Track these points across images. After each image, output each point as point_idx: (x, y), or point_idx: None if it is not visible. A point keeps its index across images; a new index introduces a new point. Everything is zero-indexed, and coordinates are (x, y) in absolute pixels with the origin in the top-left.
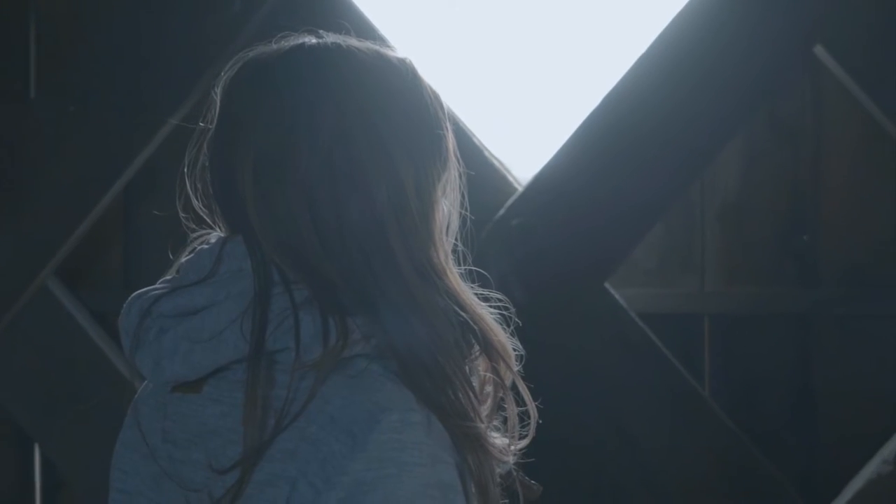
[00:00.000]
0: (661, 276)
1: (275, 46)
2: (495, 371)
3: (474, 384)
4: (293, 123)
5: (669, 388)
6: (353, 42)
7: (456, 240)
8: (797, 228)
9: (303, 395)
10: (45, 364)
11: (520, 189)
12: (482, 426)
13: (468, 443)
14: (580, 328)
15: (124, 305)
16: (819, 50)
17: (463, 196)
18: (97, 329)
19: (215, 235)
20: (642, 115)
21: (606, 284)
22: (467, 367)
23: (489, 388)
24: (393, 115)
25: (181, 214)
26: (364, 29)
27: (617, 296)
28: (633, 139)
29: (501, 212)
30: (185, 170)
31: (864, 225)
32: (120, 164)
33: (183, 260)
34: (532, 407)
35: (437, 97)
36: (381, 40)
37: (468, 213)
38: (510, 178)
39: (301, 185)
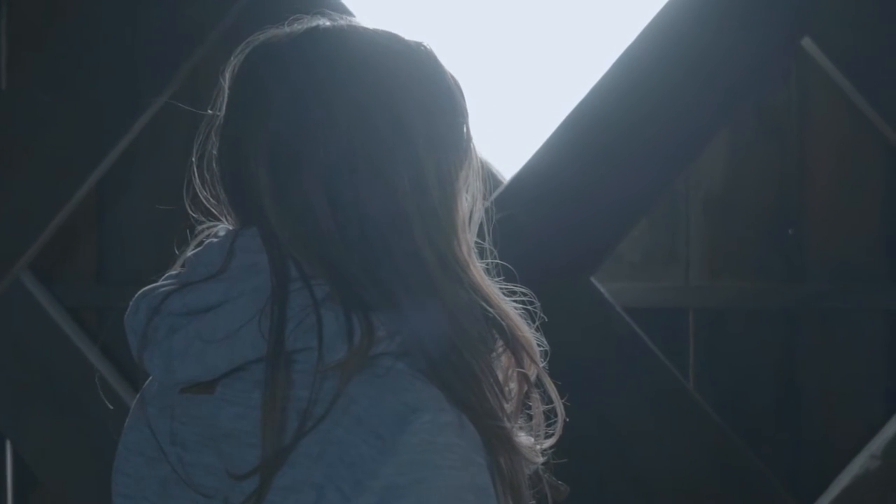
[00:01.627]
0: (646, 270)
1: (287, 29)
2: (520, 367)
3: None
4: (310, 110)
5: (655, 382)
6: (368, 25)
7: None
8: (783, 222)
9: (326, 395)
10: (17, 359)
11: (504, 182)
12: (510, 425)
13: (499, 443)
14: (566, 322)
15: (131, 303)
16: (807, 42)
17: (486, 187)
18: (71, 324)
19: (223, 228)
20: (627, 109)
21: (592, 279)
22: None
23: (512, 386)
24: (415, 100)
25: (188, 208)
26: (344, 13)
27: (603, 290)
28: (619, 133)
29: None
30: (194, 159)
31: (850, 219)
32: (95, 156)
33: (189, 254)
34: (559, 404)
35: (457, 84)
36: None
37: (492, 206)
38: (494, 171)
39: (320, 175)
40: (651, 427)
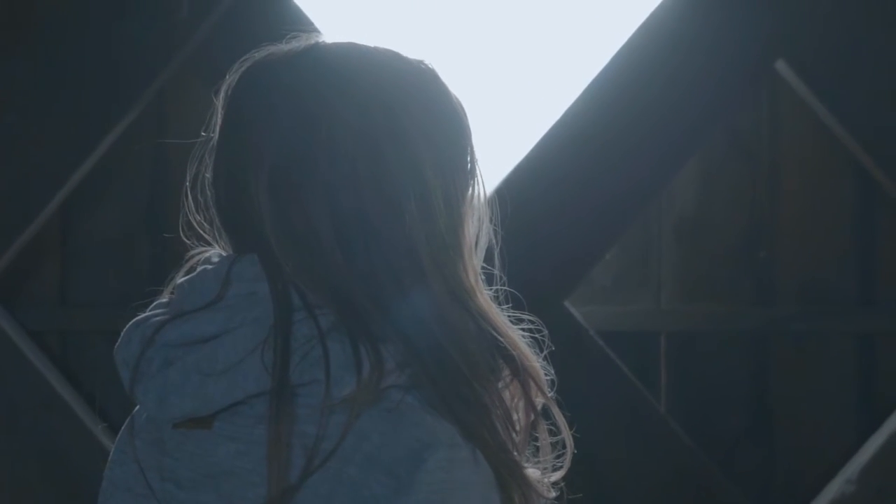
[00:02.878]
0: (618, 293)
1: (286, 47)
2: (528, 398)
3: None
4: (312, 130)
5: (627, 405)
6: (367, 43)
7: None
8: (754, 244)
9: (334, 431)
10: None
11: None
12: (521, 459)
13: (512, 478)
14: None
15: (122, 334)
16: (780, 64)
17: (493, 212)
18: (32, 347)
19: (215, 254)
20: (599, 134)
21: (566, 303)
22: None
23: (518, 416)
24: (420, 122)
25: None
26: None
27: (576, 313)
28: (589, 158)
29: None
30: (188, 183)
31: (821, 241)
32: (59, 177)
33: (180, 281)
34: (568, 436)
35: (461, 104)
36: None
37: (499, 230)
38: None
39: (324, 200)
40: (623, 450)
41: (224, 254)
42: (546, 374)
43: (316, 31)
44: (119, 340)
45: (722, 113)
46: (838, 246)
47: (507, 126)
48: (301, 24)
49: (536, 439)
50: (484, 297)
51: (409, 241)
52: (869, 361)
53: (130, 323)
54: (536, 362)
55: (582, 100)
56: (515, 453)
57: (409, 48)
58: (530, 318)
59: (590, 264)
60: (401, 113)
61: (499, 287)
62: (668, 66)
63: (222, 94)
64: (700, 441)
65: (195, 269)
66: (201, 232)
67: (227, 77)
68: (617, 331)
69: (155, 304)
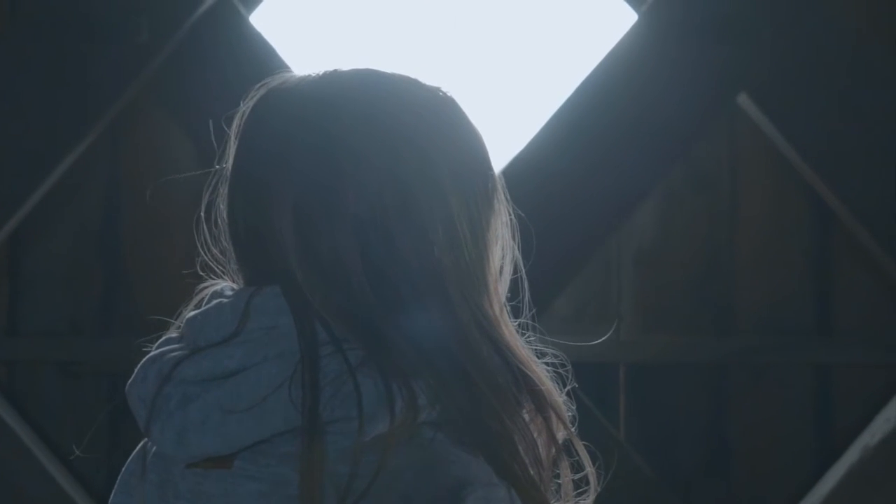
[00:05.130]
0: (578, 324)
1: (301, 74)
2: (550, 433)
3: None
4: (337, 161)
5: (587, 436)
6: (384, 69)
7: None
8: (713, 276)
9: (367, 470)
10: None
11: None
12: (548, 495)
13: None
14: None
15: (137, 370)
16: (742, 98)
17: (515, 242)
18: None
19: (227, 287)
20: (558, 167)
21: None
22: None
23: (542, 452)
24: (443, 150)
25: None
26: (271, 57)
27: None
28: (547, 195)
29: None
30: (202, 214)
31: (780, 273)
32: (11, 205)
33: (191, 314)
34: (591, 472)
35: (479, 132)
36: (286, 68)
37: (521, 261)
38: None
39: (351, 231)
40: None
41: (235, 287)
42: (568, 410)
43: (278, 57)
44: (133, 377)
45: (683, 147)
46: (796, 276)
47: None
48: (262, 49)
49: (558, 476)
50: (509, 328)
51: (438, 272)
52: (826, 392)
53: (145, 359)
54: (559, 398)
55: (540, 136)
56: (544, 489)
57: (383, 65)
58: (554, 352)
59: (552, 295)
60: (425, 142)
61: (523, 320)
62: (628, 102)
63: (235, 124)
64: (659, 472)
65: (202, 303)
66: (210, 263)
67: (242, 104)
68: (576, 361)
69: (164, 339)
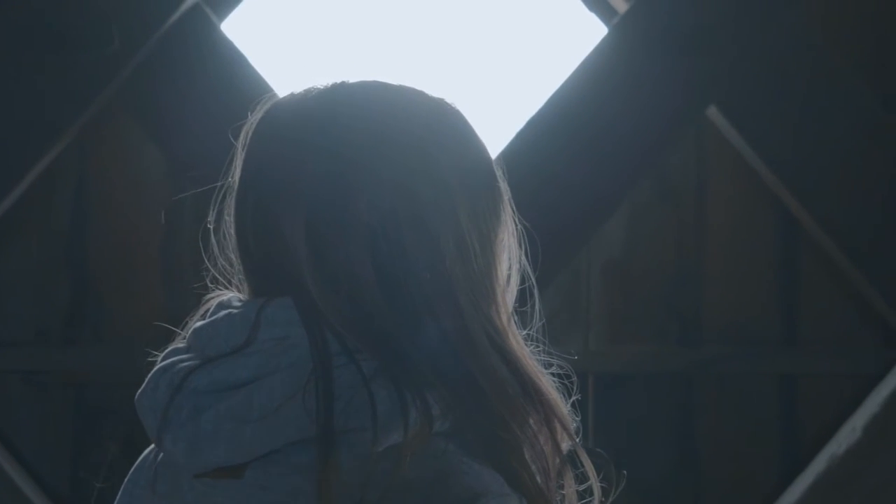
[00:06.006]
0: (546, 334)
1: (306, 87)
2: (555, 444)
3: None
4: (349, 173)
5: None
6: (390, 81)
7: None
8: (680, 286)
9: (379, 480)
10: None
11: None
12: None
13: None
14: None
15: (147, 380)
16: (710, 109)
17: (523, 252)
18: None
19: (234, 297)
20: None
21: None
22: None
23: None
24: (452, 160)
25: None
26: (243, 66)
27: None
28: (516, 206)
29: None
30: (210, 226)
31: (746, 283)
32: None
33: (198, 325)
34: (596, 483)
35: (483, 142)
36: (259, 78)
37: (529, 272)
38: None
39: (364, 242)
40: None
41: (242, 297)
42: (573, 421)
43: (249, 66)
44: (143, 387)
45: (652, 159)
46: (763, 287)
47: None
48: (233, 57)
49: (562, 486)
50: (517, 339)
51: (449, 283)
52: (791, 401)
53: (156, 369)
54: (565, 410)
55: (509, 150)
56: (551, 499)
57: (359, 74)
58: (560, 364)
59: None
60: (435, 153)
61: (530, 331)
62: (597, 115)
63: (242, 136)
64: (627, 482)
65: (207, 313)
66: (216, 274)
67: (251, 115)
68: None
69: (171, 349)
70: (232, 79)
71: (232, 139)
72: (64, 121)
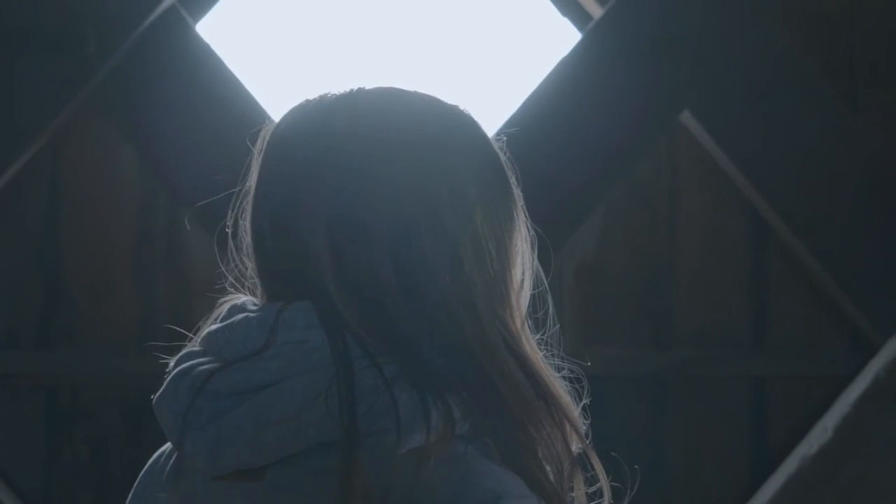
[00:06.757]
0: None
1: (322, 93)
2: (566, 447)
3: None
4: (370, 179)
5: None
6: (405, 87)
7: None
8: (653, 289)
9: (402, 483)
10: None
11: None
12: None
13: None
14: None
15: (166, 384)
16: (683, 114)
17: (534, 254)
18: None
19: (249, 301)
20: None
21: None
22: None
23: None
24: (470, 166)
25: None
26: (218, 66)
27: None
28: None
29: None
30: (228, 230)
31: (717, 287)
32: None
33: (213, 328)
34: (606, 485)
35: (497, 147)
36: (234, 79)
37: (543, 276)
38: None
39: (386, 247)
40: None
41: (256, 301)
42: (583, 424)
43: (224, 66)
44: (162, 390)
45: (625, 163)
46: (734, 290)
47: None
48: (208, 58)
49: (572, 488)
50: (531, 342)
51: (468, 287)
52: (761, 403)
53: (175, 372)
54: (576, 413)
55: None
56: (567, 501)
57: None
58: (570, 367)
59: None
60: (452, 159)
61: (542, 336)
62: (569, 120)
63: (259, 141)
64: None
65: (219, 317)
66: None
67: (267, 121)
68: None
69: (184, 353)
70: (206, 80)
71: (250, 145)
72: (37, 124)
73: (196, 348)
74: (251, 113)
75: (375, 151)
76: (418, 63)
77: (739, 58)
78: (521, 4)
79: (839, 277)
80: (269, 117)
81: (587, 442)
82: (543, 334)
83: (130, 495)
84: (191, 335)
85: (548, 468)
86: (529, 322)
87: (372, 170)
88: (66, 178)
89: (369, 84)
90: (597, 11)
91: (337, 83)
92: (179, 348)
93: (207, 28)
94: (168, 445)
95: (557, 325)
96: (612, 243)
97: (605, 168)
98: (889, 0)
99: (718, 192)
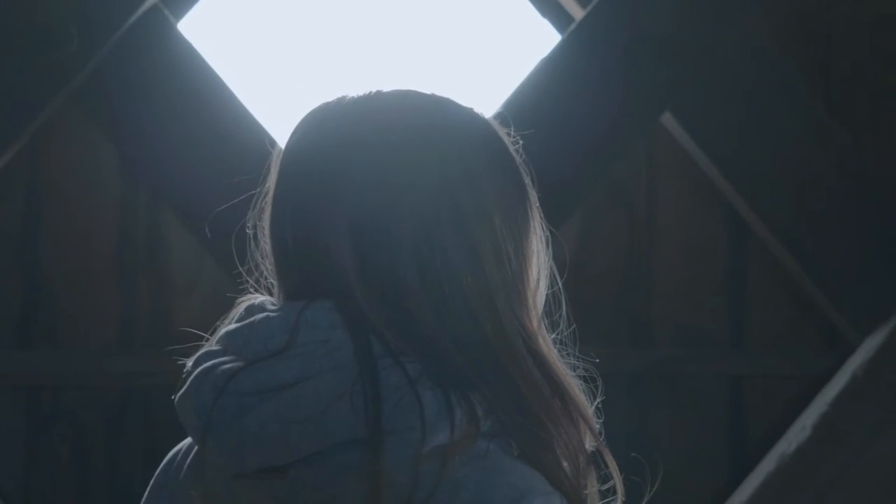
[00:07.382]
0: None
1: (340, 95)
2: (581, 445)
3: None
4: (394, 181)
5: None
6: (421, 89)
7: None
8: (632, 288)
9: (426, 480)
10: None
11: None
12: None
13: None
14: None
15: (189, 382)
16: (664, 115)
17: (549, 254)
18: None
19: (268, 301)
20: None
21: None
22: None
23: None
24: (488, 167)
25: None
26: (199, 65)
27: None
28: None
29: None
30: (249, 231)
31: (696, 285)
32: None
33: (232, 327)
34: (619, 483)
35: (512, 149)
36: (216, 77)
37: (557, 276)
38: None
39: (410, 249)
40: None
41: (275, 301)
42: (597, 423)
43: (206, 65)
44: (185, 389)
45: (604, 164)
46: (712, 289)
47: None
48: (189, 57)
49: (586, 486)
50: (546, 341)
51: (488, 287)
52: (739, 402)
53: (198, 371)
54: (590, 411)
55: None
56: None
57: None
58: (585, 366)
59: None
60: (472, 161)
61: (557, 336)
62: (548, 122)
63: (284, 144)
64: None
65: (236, 317)
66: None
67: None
68: None
69: (203, 352)
70: (188, 78)
71: (269, 147)
72: (18, 124)
73: (215, 348)
74: (233, 112)
75: (397, 156)
76: (398, 63)
77: (721, 61)
78: (501, 6)
79: (817, 277)
80: (250, 115)
81: (601, 440)
82: (558, 334)
83: (146, 496)
84: (207, 336)
85: (565, 465)
86: (545, 321)
87: (395, 172)
88: (46, 178)
89: (386, 86)
90: (578, 13)
91: (320, 82)
92: (196, 349)
93: (189, 26)
94: (182, 445)
95: (573, 326)
96: (591, 243)
97: (585, 169)
98: (864, 1)
99: (697, 193)
